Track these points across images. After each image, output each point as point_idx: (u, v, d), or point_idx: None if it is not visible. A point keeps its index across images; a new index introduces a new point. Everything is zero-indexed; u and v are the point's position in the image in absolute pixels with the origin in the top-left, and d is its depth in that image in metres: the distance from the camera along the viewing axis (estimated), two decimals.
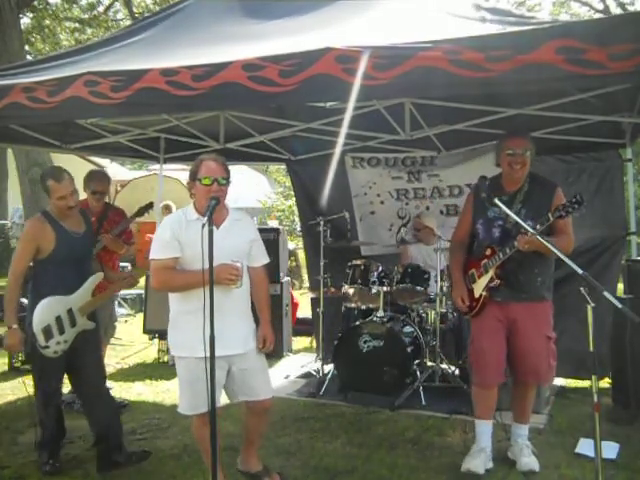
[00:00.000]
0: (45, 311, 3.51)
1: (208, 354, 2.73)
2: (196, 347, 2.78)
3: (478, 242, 3.69)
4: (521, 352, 3.55)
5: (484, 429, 3.65)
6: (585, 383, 5.04)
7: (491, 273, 3.50)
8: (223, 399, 3.21)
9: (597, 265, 5.14)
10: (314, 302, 6.25)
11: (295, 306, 7.51)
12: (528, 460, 3.56)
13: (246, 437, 3.43)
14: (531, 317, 3.51)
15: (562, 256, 2.87)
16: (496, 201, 3.30)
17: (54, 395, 3.70)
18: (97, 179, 4.81)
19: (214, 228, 2.82)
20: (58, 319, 3.52)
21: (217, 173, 3.02)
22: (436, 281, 5.09)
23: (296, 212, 9.34)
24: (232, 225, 3.15)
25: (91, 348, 3.70)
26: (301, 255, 12.49)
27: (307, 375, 5.60)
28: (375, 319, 5.09)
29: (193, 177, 3.06)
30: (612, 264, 5.20)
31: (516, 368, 3.63)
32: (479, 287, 3.57)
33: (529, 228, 3.15)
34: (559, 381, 5.30)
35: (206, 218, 2.70)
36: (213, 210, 2.77)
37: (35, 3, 16.91)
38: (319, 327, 5.70)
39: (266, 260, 3.33)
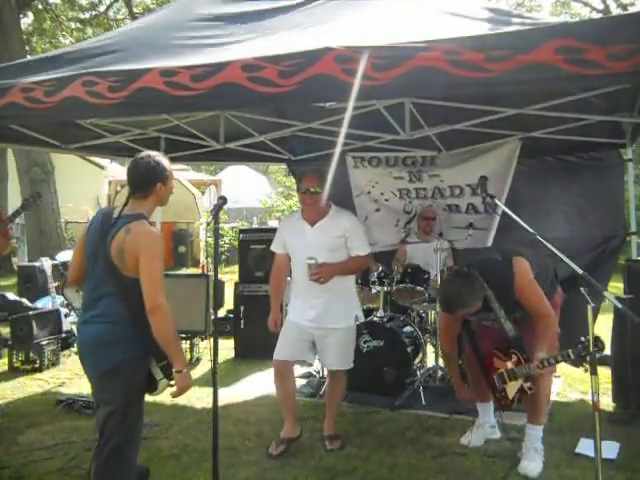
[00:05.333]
0: None
1: (306, 324, 3.82)
2: (300, 316, 3.85)
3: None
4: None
5: (481, 408, 4.04)
6: (585, 383, 5.03)
7: (521, 381, 3.41)
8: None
9: (597, 265, 5.14)
10: None
11: None
12: (526, 464, 3.56)
13: (326, 405, 4.12)
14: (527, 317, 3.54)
15: (562, 256, 2.87)
16: (496, 201, 3.30)
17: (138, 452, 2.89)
18: None
19: (309, 227, 3.79)
20: None
21: (310, 183, 3.73)
22: (436, 281, 5.08)
23: None
24: (325, 223, 3.79)
25: None
26: None
27: (307, 375, 5.59)
28: (375, 319, 5.09)
29: (298, 187, 3.84)
30: (609, 264, 5.20)
31: None
32: (511, 390, 3.46)
33: (536, 234, 3.13)
34: (559, 382, 5.30)
35: (212, 216, 2.96)
36: (219, 209, 3.00)
37: (35, 3, 16.91)
38: None
39: (362, 252, 3.85)
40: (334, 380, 4.06)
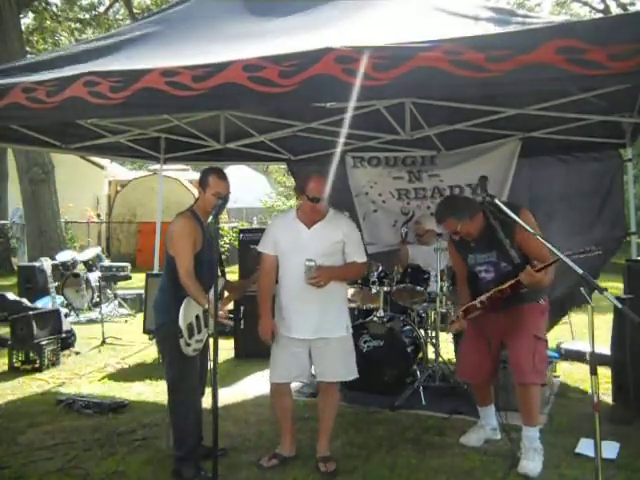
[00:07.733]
0: (189, 308, 3.40)
1: (300, 336, 3.57)
2: (294, 327, 3.58)
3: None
4: (508, 349, 3.71)
5: (482, 411, 4.06)
6: (585, 383, 5.04)
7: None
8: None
9: (595, 265, 5.13)
10: None
11: None
12: (525, 463, 3.55)
13: (319, 422, 3.79)
14: (518, 315, 3.61)
15: (561, 255, 2.87)
16: (496, 201, 3.29)
17: (196, 397, 3.64)
18: None
19: (306, 228, 3.58)
20: (197, 318, 3.46)
21: (320, 192, 3.49)
22: (436, 281, 5.09)
23: None
24: (323, 226, 3.59)
25: (205, 352, 3.66)
26: None
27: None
28: (375, 319, 5.09)
29: (302, 190, 3.53)
30: (605, 264, 5.21)
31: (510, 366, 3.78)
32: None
33: (527, 227, 3.14)
34: (559, 382, 5.31)
35: (211, 217, 3.05)
36: (219, 210, 3.12)
37: (35, 3, 16.91)
38: None
39: (359, 259, 3.66)
40: (328, 395, 3.73)
